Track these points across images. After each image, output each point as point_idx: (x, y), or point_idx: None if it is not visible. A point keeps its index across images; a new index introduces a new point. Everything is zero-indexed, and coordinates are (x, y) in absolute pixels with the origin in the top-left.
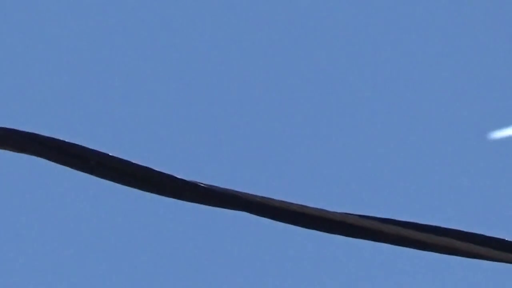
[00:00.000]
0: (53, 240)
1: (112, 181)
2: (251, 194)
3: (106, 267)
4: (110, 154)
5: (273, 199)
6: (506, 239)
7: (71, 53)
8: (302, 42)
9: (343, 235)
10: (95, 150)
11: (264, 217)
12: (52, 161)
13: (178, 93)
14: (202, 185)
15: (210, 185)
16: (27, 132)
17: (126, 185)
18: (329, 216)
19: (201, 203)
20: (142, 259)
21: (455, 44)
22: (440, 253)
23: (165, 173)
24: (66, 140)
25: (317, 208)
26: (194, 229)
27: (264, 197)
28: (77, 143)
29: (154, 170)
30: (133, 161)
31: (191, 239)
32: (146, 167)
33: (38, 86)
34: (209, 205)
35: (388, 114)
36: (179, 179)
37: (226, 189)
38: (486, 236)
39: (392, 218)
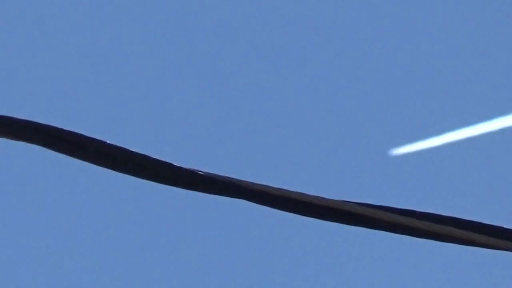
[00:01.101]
0: (51, 227)
1: (110, 168)
2: (250, 182)
3: (104, 254)
4: (107, 141)
5: (272, 187)
6: (505, 226)
7: (68, 41)
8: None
9: (342, 222)
10: (92, 138)
11: (263, 205)
12: (50, 148)
13: (176, 81)
14: (200, 172)
15: (209, 173)
16: (25, 120)
17: (124, 173)
18: (328, 204)
19: (199, 191)
20: (140, 248)
21: (350, 63)
22: (438, 240)
23: (163, 161)
24: (64, 128)
25: (316, 196)
26: (192, 217)
27: (263, 185)
28: (74, 130)
29: (152, 157)
30: (131, 149)
31: (190, 226)
32: (144, 154)
33: (35, 75)
34: (208, 192)
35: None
36: (177, 166)
37: (225, 177)
38: (484, 223)
39: (390, 206)
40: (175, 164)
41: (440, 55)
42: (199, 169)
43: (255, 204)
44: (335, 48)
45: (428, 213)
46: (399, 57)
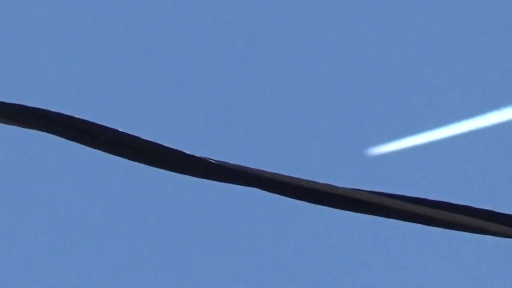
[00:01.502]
0: (61, 215)
1: (121, 156)
2: (261, 170)
3: (112, 243)
4: (119, 129)
5: (283, 175)
6: None
7: (77, 27)
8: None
9: (353, 211)
10: (103, 126)
11: (275, 193)
12: (60, 136)
13: (186, 69)
14: (212, 161)
15: (220, 161)
16: (35, 108)
17: (135, 161)
18: (338, 192)
19: (211, 179)
20: (150, 236)
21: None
22: (450, 229)
23: (174, 149)
24: (75, 116)
25: (327, 184)
26: (204, 205)
27: (274, 173)
28: (85, 118)
29: (163, 145)
30: (142, 137)
31: (201, 215)
32: (156, 142)
33: (45, 62)
34: (219, 181)
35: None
36: (188, 154)
37: (236, 165)
38: (496, 212)
39: (401, 194)
40: (186, 152)
41: (418, 53)
42: (210, 158)
43: (266, 192)
44: (308, 47)
45: (440, 201)
46: (375, 54)
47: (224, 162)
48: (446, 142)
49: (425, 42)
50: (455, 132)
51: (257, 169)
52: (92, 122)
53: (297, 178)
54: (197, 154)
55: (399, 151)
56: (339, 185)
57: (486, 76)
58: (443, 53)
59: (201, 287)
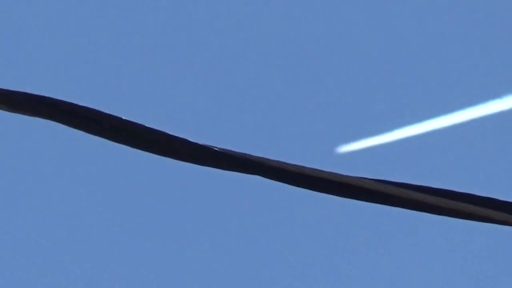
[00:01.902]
0: (64, 201)
1: (125, 144)
2: (265, 158)
3: (118, 232)
4: (123, 117)
5: (287, 163)
6: None
7: (82, 16)
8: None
9: (358, 199)
10: (108, 114)
11: (278, 181)
12: (65, 124)
13: (191, 58)
14: (215, 148)
15: (224, 149)
16: (40, 96)
17: (139, 149)
18: (344, 180)
19: (214, 167)
20: (155, 224)
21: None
22: (454, 217)
23: (178, 137)
24: (79, 103)
25: (332, 172)
26: (207, 192)
27: (278, 161)
28: (89, 106)
29: (167, 133)
30: (146, 125)
31: (205, 203)
32: (159, 130)
33: (50, 49)
34: (223, 168)
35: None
36: (192, 142)
37: (240, 153)
38: (503, 200)
39: (408, 182)
40: (190, 140)
41: (388, 49)
42: (214, 145)
43: (270, 181)
44: (276, 45)
45: (445, 189)
46: (344, 52)
47: (227, 150)
48: (416, 138)
49: (399, 40)
50: (426, 129)
51: (261, 157)
52: (95, 110)
53: (302, 167)
54: (201, 142)
55: (369, 148)
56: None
57: (462, 71)
58: (422, 49)
59: (203, 276)
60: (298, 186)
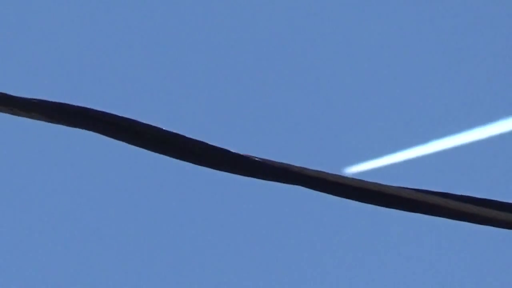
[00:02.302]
0: (108, 211)
1: (166, 155)
2: (305, 168)
3: (157, 239)
4: (164, 128)
5: (327, 173)
6: None
7: (115, 27)
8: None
9: (398, 209)
10: (149, 125)
11: (320, 191)
12: (106, 135)
13: (227, 68)
14: (256, 158)
15: (264, 159)
16: (81, 107)
17: (181, 159)
18: (384, 190)
19: (255, 177)
20: (195, 232)
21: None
22: (499, 227)
23: (219, 147)
24: (119, 115)
25: (373, 183)
26: (247, 203)
27: (318, 171)
28: (130, 117)
29: (208, 144)
30: (188, 136)
31: (246, 213)
32: (201, 141)
33: (92, 63)
34: (263, 179)
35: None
36: (234, 153)
37: (280, 163)
38: None
39: (448, 192)
40: (232, 151)
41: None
42: (254, 155)
43: (311, 190)
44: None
45: (485, 199)
46: (351, 67)
47: (268, 160)
48: (424, 159)
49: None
50: (434, 150)
51: (301, 167)
52: (137, 121)
53: (343, 177)
54: (242, 152)
55: (374, 169)
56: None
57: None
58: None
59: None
60: (340, 196)
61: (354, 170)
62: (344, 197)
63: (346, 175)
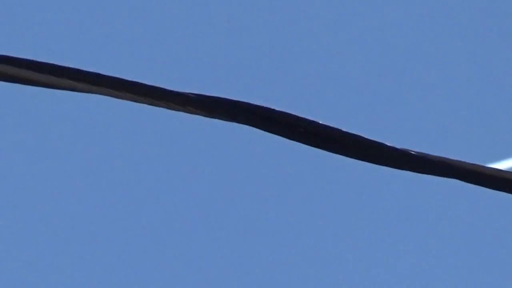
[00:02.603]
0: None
1: (321, 149)
2: (463, 162)
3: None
4: (319, 121)
5: (486, 166)
6: None
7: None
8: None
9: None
10: (304, 118)
11: (475, 184)
12: (259, 128)
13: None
14: (412, 152)
15: (421, 153)
16: (237, 101)
17: (336, 153)
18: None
19: (412, 171)
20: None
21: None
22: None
23: (374, 141)
24: (273, 107)
25: (477, 164)
26: (406, 196)
27: (474, 164)
28: (284, 110)
29: (364, 137)
30: (343, 129)
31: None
32: (356, 134)
33: (241, 55)
34: (420, 172)
35: None
36: (388, 146)
37: (438, 157)
38: None
39: None
40: (387, 143)
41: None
42: (411, 149)
43: (467, 184)
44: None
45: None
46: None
47: (425, 154)
48: None
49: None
50: None
51: (460, 161)
52: (291, 114)
53: (499, 170)
54: (398, 146)
55: None
56: None
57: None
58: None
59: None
60: (493, 189)
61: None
62: (500, 190)
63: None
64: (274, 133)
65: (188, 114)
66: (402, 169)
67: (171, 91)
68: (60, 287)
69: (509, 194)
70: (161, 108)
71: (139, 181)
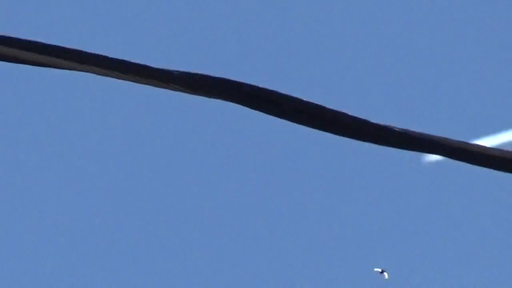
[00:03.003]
0: (249, 180)
1: (305, 125)
2: (447, 139)
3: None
4: (302, 99)
5: (469, 143)
6: None
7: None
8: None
9: None
10: (287, 95)
11: (460, 161)
12: (244, 105)
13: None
14: (395, 129)
15: (404, 129)
16: (219, 78)
17: (320, 130)
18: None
19: (394, 147)
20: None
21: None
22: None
23: (360, 118)
24: (258, 85)
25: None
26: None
27: (461, 141)
28: (268, 88)
29: (347, 114)
30: (329, 107)
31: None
32: (337, 111)
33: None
34: (402, 148)
35: None
36: (372, 122)
37: (420, 133)
38: None
39: None
40: (370, 120)
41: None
42: (394, 126)
43: (452, 160)
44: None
45: None
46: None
47: (408, 130)
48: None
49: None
50: None
51: (441, 137)
52: (274, 91)
53: (484, 147)
54: (381, 122)
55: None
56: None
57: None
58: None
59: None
60: (481, 166)
61: (432, 158)
62: (487, 167)
63: (488, 146)
64: (258, 110)
65: (172, 91)
66: (385, 146)
67: (154, 69)
68: (62, 287)
69: (494, 171)
70: (145, 85)
71: (123, 158)
